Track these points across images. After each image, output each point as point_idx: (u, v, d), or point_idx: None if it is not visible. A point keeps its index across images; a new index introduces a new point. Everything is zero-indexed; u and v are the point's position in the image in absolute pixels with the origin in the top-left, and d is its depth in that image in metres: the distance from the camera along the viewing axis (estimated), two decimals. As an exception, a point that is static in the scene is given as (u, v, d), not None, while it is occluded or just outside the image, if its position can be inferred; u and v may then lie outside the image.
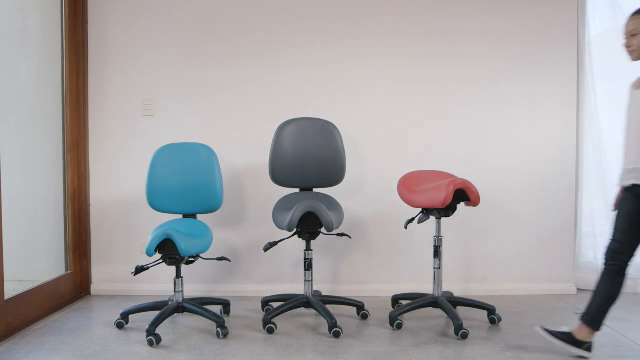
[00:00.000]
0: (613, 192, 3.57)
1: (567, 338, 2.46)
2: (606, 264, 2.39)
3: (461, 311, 3.03)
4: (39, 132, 3.36)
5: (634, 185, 2.32)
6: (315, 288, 3.37)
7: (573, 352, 2.45)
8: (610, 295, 2.38)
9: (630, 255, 2.36)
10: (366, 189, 3.54)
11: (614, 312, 3.13)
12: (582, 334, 2.44)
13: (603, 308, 2.39)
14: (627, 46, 2.36)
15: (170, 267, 2.78)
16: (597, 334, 2.45)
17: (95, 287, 3.57)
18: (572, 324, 2.96)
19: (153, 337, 2.61)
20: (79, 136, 3.49)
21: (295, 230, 2.86)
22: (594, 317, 2.41)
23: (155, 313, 2.77)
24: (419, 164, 3.47)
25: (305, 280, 2.99)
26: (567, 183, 3.56)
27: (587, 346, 2.44)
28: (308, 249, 2.99)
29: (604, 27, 3.60)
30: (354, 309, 3.15)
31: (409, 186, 3.01)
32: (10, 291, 2.80)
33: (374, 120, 3.53)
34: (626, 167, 2.37)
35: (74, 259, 3.48)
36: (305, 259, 2.99)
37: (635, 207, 2.33)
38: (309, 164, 3.14)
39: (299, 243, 3.42)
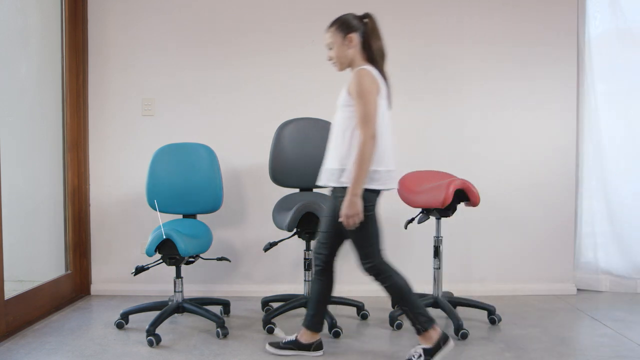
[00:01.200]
0: (613, 192, 3.59)
1: (295, 345, 2.47)
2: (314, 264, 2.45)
3: (461, 311, 3.03)
4: (39, 132, 3.36)
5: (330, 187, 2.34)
6: (315, 288, 3.37)
7: (306, 356, 2.45)
8: (321, 294, 2.44)
9: (332, 254, 2.41)
10: (366, 189, 3.53)
11: (614, 312, 3.14)
12: (305, 337, 2.47)
13: (318, 309, 2.45)
14: (329, 59, 2.40)
15: (170, 267, 2.77)
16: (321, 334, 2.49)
17: (95, 287, 3.57)
18: (571, 324, 2.97)
19: (153, 337, 2.61)
20: (79, 136, 3.49)
21: (295, 230, 2.86)
22: (312, 319, 2.45)
23: (155, 313, 2.76)
24: (418, 164, 3.47)
25: (305, 280, 2.99)
26: (567, 183, 3.56)
27: (315, 346, 2.46)
28: (308, 249, 2.99)
29: (604, 27, 3.60)
30: (354, 309, 3.14)
31: (408, 186, 3.01)
32: (10, 291, 2.80)
33: (374, 120, 3.53)
34: (323, 167, 2.39)
35: (74, 259, 3.48)
36: (305, 259, 2.99)
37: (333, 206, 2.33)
38: (309, 164, 3.14)
39: (299, 243, 3.41)
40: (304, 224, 2.84)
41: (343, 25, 2.34)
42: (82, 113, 3.50)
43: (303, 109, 3.46)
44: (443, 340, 2.30)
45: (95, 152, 3.54)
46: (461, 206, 2.90)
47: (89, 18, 3.51)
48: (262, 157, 3.39)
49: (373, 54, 2.33)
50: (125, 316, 2.89)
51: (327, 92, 3.52)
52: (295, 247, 3.46)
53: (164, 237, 2.58)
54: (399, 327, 2.86)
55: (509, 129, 3.55)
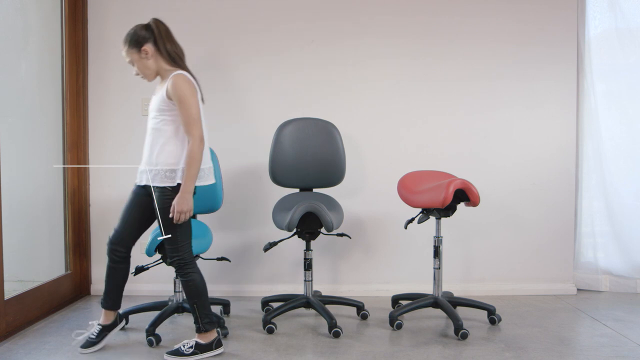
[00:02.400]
0: (613, 192, 3.59)
1: (107, 330, 2.56)
2: (108, 254, 2.56)
3: (461, 311, 3.03)
4: (39, 132, 3.36)
5: (146, 185, 2.43)
6: (315, 288, 3.37)
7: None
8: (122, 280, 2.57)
9: (129, 245, 2.56)
10: (366, 189, 3.54)
11: (614, 312, 3.14)
12: (107, 318, 2.57)
13: (117, 291, 2.57)
14: (136, 74, 2.51)
15: (170, 267, 2.77)
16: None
17: (95, 287, 3.57)
18: (571, 324, 2.97)
19: (153, 337, 2.61)
20: (79, 136, 3.49)
21: (295, 230, 2.86)
22: (113, 300, 2.57)
23: (155, 313, 2.77)
24: (418, 164, 3.48)
25: (305, 280, 2.99)
26: (567, 183, 3.56)
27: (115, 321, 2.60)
28: (308, 249, 2.99)
29: (603, 27, 3.60)
30: (354, 309, 3.15)
31: (408, 186, 3.01)
32: (10, 291, 2.80)
33: (374, 121, 3.53)
34: (140, 168, 2.49)
35: (73, 259, 3.48)
36: (305, 259, 2.99)
37: (141, 201, 2.49)
38: (308, 164, 3.14)
39: (299, 243, 3.42)
40: (304, 224, 2.84)
41: (132, 40, 2.43)
42: (82, 113, 3.50)
43: (303, 109, 3.46)
44: (217, 344, 2.48)
45: (95, 152, 3.54)
46: (461, 206, 2.90)
47: (89, 18, 3.51)
48: (262, 157, 3.39)
49: (171, 57, 2.44)
50: (125, 316, 2.88)
51: (327, 92, 3.53)
52: (295, 247, 3.46)
53: (164, 237, 2.57)
54: (399, 327, 2.86)
55: (509, 129, 3.55)
